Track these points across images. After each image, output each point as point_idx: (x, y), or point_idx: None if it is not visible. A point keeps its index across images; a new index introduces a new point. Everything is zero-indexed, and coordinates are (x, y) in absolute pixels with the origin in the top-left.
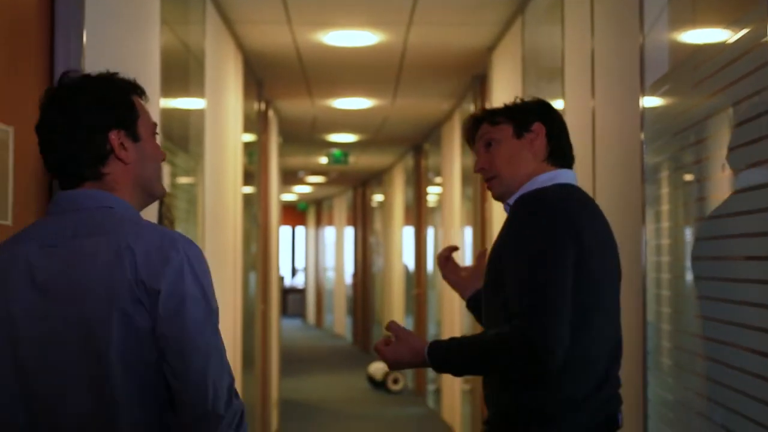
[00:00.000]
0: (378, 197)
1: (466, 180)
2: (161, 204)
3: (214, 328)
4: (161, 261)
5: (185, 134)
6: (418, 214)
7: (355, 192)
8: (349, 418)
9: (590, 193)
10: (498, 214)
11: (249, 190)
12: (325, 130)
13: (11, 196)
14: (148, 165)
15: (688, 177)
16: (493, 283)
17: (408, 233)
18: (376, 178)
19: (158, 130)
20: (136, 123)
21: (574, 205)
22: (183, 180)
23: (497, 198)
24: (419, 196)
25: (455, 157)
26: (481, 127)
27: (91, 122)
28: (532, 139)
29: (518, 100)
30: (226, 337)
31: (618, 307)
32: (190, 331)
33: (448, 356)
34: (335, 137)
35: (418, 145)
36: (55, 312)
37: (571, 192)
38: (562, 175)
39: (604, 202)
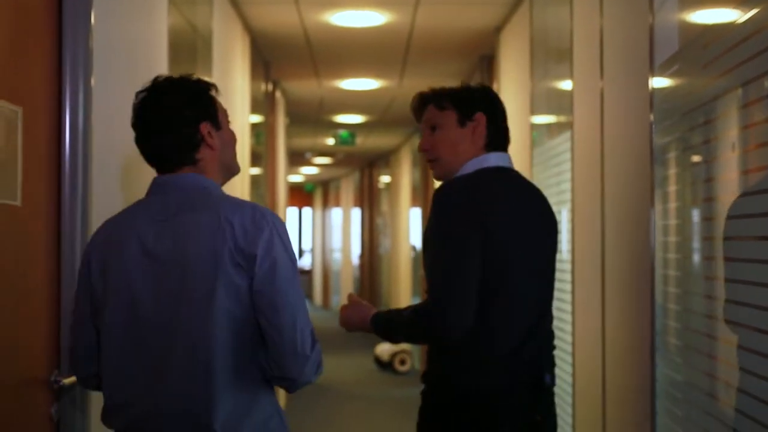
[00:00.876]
0: (385, 178)
1: None
2: None
3: (298, 284)
4: (255, 231)
5: None
6: (425, 195)
7: (362, 173)
8: (355, 398)
9: (598, 176)
10: None
11: (256, 171)
12: (332, 110)
13: (20, 176)
14: (228, 148)
15: (697, 157)
16: (425, 270)
17: (415, 214)
18: (383, 159)
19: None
20: (217, 114)
21: (484, 190)
22: None
23: (438, 178)
24: (426, 177)
25: None
26: (428, 109)
27: (186, 117)
28: (474, 128)
29: (464, 86)
30: None
31: (546, 277)
32: (281, 289)
33: (383, 326)
34: (342, 118)
35: None
36: (165, 274)
37: (488, 176)
38: (489, 159)
39: (612, 183)
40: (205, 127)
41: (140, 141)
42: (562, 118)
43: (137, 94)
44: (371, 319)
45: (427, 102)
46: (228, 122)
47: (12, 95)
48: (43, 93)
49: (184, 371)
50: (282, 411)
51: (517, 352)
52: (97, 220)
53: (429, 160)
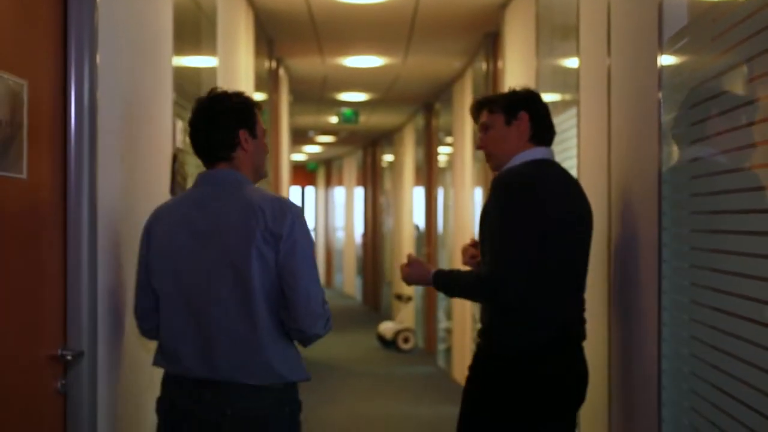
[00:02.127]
0: (388, 157)
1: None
2: (174, 161)
3: (313, 260)
4: (281, 216)
5: (197, 92)
6: (429, 174)
7: (365, 152)
8: (359, 376)
9: (605, 153)
10: None
11: None
12: (335, 88)
13: (26, 148)
14: (260, 154)
15: (705, 132)
16: (482, 241)
17: (418, 193)
18: (386, 138)
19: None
20: (255, 126)
21: (538, 178)
22: None
23: (494, 170)
24: (430, 156)
25: (466, 116)
26: (483, 112)
27: (229, 123)
28: (518, 125)
29: (510, 91)
30: None
31: (586, 252)
32: (298, 262)
33: (445, 283)
34: (346, 96)
35: (429, 104)
36: (207, 251)
37: (540, 168)
38: (536, 152)
39: (619, 160)
40: (243, 134)
41: (192, 137)
42: (568, 96)
43: (197, 99)
44: (434, 274)
45: (482, 107)
46: (264, 137)
47: (18, 68)
48: (48, 67)
49: (232, 328)
50: (301, 356)
51: (563, 314)
52: (102, 194)
53: (486, 154)
